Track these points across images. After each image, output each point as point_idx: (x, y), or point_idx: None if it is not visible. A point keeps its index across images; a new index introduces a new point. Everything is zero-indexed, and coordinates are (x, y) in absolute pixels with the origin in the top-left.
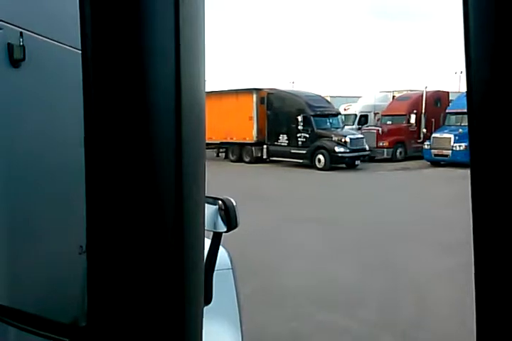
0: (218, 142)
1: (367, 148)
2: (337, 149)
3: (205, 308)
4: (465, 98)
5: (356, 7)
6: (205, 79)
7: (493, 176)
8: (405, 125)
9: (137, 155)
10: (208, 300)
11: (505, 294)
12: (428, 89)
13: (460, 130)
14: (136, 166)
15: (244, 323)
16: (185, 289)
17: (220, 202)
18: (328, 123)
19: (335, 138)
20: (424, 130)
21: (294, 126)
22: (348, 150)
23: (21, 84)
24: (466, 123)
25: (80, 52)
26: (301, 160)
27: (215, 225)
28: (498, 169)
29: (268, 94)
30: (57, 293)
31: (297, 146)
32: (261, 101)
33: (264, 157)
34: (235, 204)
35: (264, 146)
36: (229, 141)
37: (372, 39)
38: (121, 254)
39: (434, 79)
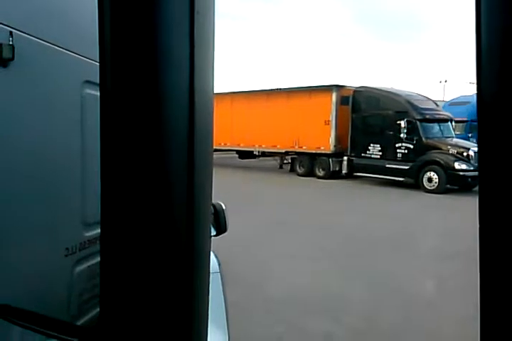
0: (283, 151)
1: None
2: (457, 166)
3: None
4: (449, 107)
5: (340, 14)
6: (214, 85)
7: (501, 184)
8: None
9: (150, 160)
10: None
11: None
12: None
13: None
14: (149, 171)
15: None
16: (194, 290)
17: None
18: (439, 131)
19: (452, 151)
20: None
21: (391, 133)
22: (472, 168)
23: (9, 83)
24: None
25: (68, 52)
26: (400, 178)
27: None
28: (506, 177)
29: (355, 92)
30: (44, 294)
31: (395, 160)
32: (341, 101)
33: (344, 171)
34: (224, 208)
35: (345, 158)
36: (297, 150)
37: (358, 46)
38: (133, 257)
39: (419, 88)
